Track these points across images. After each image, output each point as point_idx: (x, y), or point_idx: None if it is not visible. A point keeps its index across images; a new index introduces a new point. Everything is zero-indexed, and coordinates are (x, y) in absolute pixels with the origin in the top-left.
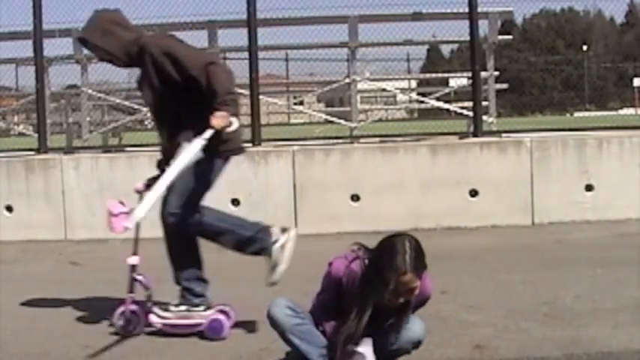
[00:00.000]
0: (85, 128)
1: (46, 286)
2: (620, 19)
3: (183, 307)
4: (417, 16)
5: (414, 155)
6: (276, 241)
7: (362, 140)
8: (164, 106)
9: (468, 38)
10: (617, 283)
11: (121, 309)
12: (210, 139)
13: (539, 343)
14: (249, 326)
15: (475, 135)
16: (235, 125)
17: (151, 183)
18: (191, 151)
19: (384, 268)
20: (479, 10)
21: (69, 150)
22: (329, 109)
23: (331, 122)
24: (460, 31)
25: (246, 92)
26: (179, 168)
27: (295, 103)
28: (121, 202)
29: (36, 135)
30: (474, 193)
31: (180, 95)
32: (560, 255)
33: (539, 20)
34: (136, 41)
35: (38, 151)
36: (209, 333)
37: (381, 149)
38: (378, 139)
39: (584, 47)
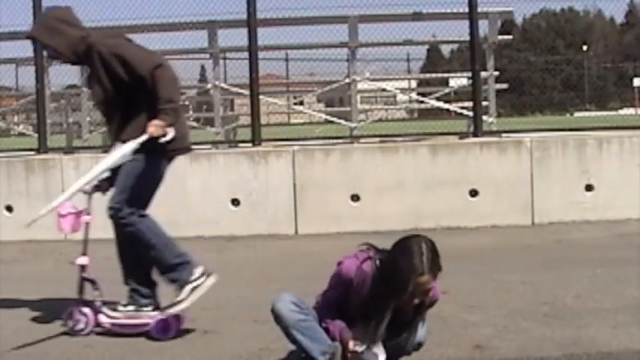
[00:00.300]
0: (85, 128)
1: (46, 286)
2: (620, 19)
3: (131, 307)
4: (417, 16)
5: (414, 155)
6: (193, 281)
7: (362, 140)
8: (113, 104)
9: (468, 38)
10: (617, 283)
11: (70, 309)
12: (155, 140)
13: (539, 343)
14: (249, 326)
15: (475, 135)
16: (170, 135)
17: (100, 184)
18: (121, 152)
19: (401, 270)
20: (479, 10)
21: (69, 150)
22: (329, 109)
23: (331, 122)
24: (460, 31)
25: (246, 92)
26: (104, 167)
27: (295, 103)
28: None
29: (36, 135)
30: (474, 193)
31: (129, 94)
32: (560, 255)
33: (539, 20)
34: (84, 39)
35: (38, 151)
36: (156, 333)
37: (381, 149)
38: (378, 139)
39: (584, 47)
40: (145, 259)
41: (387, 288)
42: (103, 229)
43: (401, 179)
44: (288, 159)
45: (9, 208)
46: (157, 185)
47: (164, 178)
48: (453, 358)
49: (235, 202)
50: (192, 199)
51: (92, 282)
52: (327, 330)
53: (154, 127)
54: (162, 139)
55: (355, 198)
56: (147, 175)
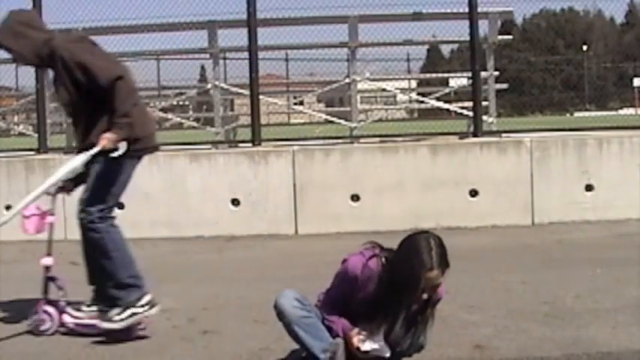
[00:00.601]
0: None
1: None
2: (620, 19)
3: (94, 308)
4: (417, 16)
5: (414, 155)
6: (137, 307)
7: (362, 140)
8: (78, 107)
9: (468, 38)
10: (617, 283)
11: (35, 309)
12: (108, 152)
13: (539, 343)
14: (248, 326)
15: (475, 135)
16: (122, 150)
17: (64, 185)
18: (72, 164)
19: (411, 266)
20: (479, 10)
21: (69, 150)
22: (329, 109)
23: (331, 122)
24: (460, 31)
25: (246, 92)
26: (58, 177)
27: (295, 103)
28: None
29: (36, 135)
30: (474, 193)
31: (93, 99)
32: (560, 255)
33: (539, 20)
34: (47, 43)
35: (38, 151)
36: (118, 333)
37: (381, 149)
38: (378, 139)
39: (584, 47)
40: (99, 266)
41: (398, 286)
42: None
43: (401, 179)
44: (288, 159)
45: (9, 208)
46: (126, 186)
47: (132, 177)
48: (452, 358)
49: (235, 202)
50: (192, 199)
51: (56, 282)
52: (329, 329)
53: (106, 141)
54: (114, 154)
55: (355, 198)
56: (116, 176)
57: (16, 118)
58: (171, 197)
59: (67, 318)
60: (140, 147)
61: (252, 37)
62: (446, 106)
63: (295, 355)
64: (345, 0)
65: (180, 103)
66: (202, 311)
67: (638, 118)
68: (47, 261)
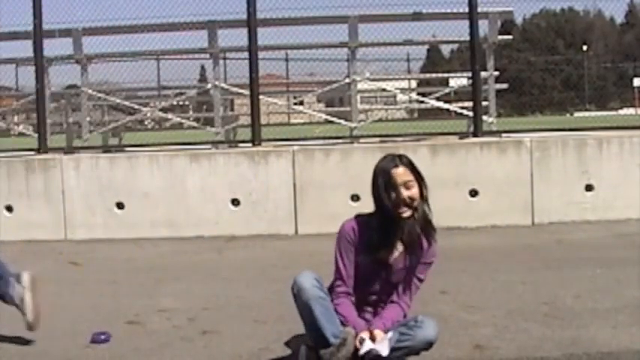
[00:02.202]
0: (85, 128)
1: (46, 286)
2: (620, 19)
3: None
4: (417, 16)
5: (414, 155)
6: (18, 291)
7: (362, 140)
8: None
9: (468, 38)
10: (617, 283)
11: None
12: None
13: (539, 343)
14: (249, 326)
15: (475, 135)
16: None
17: None
18: None
19: (379, 173)
20: (479, 10)
21: (69, 150)
22: (329, 109)
23: (331, 122)
24: (460, 31)
25: (246, 92)
26: None
27: (295, 103)
28: None
29: (36, 135)
30: (474, 193)
31: None
32: (560, 255)
33: (539, 20)
34: None
35: (38, 151)
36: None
37: (381, 149)
38: (378, 139)
39: (584, 47)
40: None
41: (382, 193)
42: (103, 228)
43: None
44: (288, 159)
45: (9, 208)
46: None
47: None
48: (452, 358)
49: (235, 202)
50: (192, 199)
51: None
52: (341, 322)
53: None
54: None
55: (355, 198)
56: None
57: (16, 118)
58: (171, 197)
59: None
60: None
61: (252, 37)
62: (446, 106)
63: (295, 354)
64: (345, 0)
65: (180, 103)
66: (202, 311)
67: (638, 118)
68: None
